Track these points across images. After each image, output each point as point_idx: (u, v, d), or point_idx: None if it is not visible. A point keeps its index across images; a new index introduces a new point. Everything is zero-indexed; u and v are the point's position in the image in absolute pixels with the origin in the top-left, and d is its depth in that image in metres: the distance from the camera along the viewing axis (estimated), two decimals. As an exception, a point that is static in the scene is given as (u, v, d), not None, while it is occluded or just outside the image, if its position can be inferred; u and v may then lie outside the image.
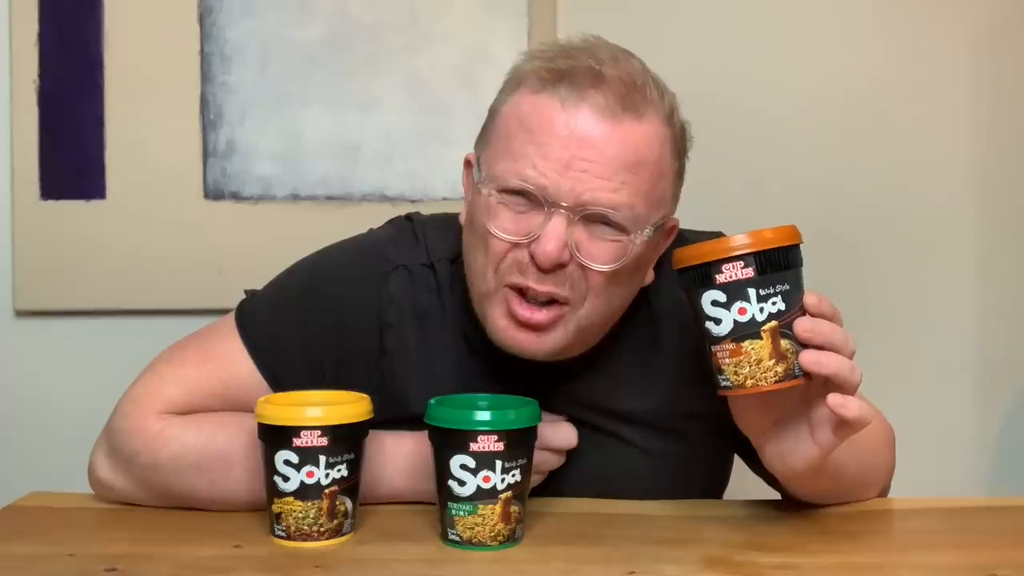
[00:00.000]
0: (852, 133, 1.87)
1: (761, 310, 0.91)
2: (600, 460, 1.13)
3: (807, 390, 0.95)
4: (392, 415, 1.07)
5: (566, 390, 1.11)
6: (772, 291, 0.91)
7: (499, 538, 0.96)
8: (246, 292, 1.18)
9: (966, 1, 1.86)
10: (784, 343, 0.91)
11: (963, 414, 1.91)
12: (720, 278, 0.91)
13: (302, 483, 0.95)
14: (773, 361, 0.91)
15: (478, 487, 0.94)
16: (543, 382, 1.08)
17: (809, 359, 0.91)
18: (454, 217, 1.15)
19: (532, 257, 0.99)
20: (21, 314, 1.82)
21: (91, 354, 1.81)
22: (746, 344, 0.91)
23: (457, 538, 0.96)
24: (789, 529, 1.04)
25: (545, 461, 1.08)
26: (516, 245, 1.01)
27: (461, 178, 1.11)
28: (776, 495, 1.14)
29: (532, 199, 1.00)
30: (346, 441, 0.96)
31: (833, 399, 0.91)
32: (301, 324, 1.12)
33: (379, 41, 1.81)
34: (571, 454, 1.11)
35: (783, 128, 1.85)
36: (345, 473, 0.96)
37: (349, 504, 0.98)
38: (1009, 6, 1.86)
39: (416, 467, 1.07)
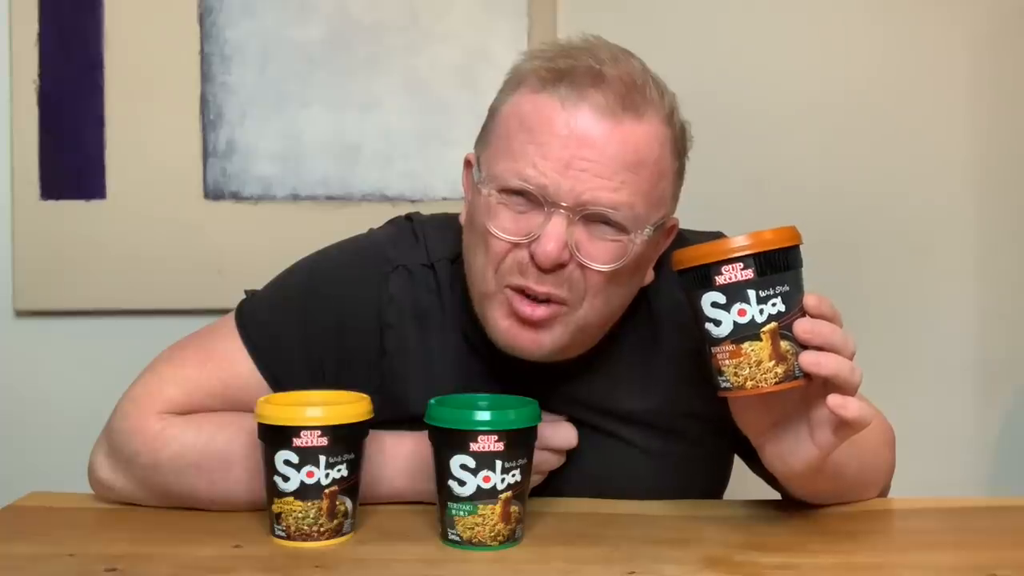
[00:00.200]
0: (852, 133, 1.87)
1: (761, 311, 0.91)
2: (600, 460, 1.13)
3: (807, 391, 0.95)
4: (392, 415, 1.07)
5: (566, 390, 1.11)
6: (772, 292, 0.91)
7: (499, 538, 0.96)
8: (246, 292, 1.18)
9: (966, 1, 1.86)
10: (784, 344, 0.91)
11: (963, 414, 1.91)
12: (720, 280, 0.91)
13: (302, 483, 0.95)
14: (773, 362, 0.91)
15: (478, 487, 0.94)
16: (543, 382, 1.08)
17: (809, 360, 0.91)
18: (454, 217, 1.15)
19: (532, 257, 0.99)
20: (21, 314, 1.82)
21: (91, 354, 1.81)
22: (746, 345, 0.91)
23: (457, 538, 0.96)
24: (789, 529, 1.04)
25: (545, 461, 1.08)
26: (516, 245, 1.01)
27: (461, 178, 1.11)
28: (776, 495, 1.14)
29: (532, 199, 1.00)
30: (346, 441, 0.96)
31: (833, 400, 0.91)
32: (301, 324, 1.12)
33: (379, 41, 1.81)
34: (571, 454, 1.11)
35: (783, 128, 1.85)
36: (345, 473, 0.96)
37: (349, 504, 0.98)
38: (1009, 6, 1.86)
39: (416, 467, 1.07)
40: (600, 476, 1.13)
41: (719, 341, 0.92)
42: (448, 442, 0.95)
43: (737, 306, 0.91)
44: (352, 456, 0.97)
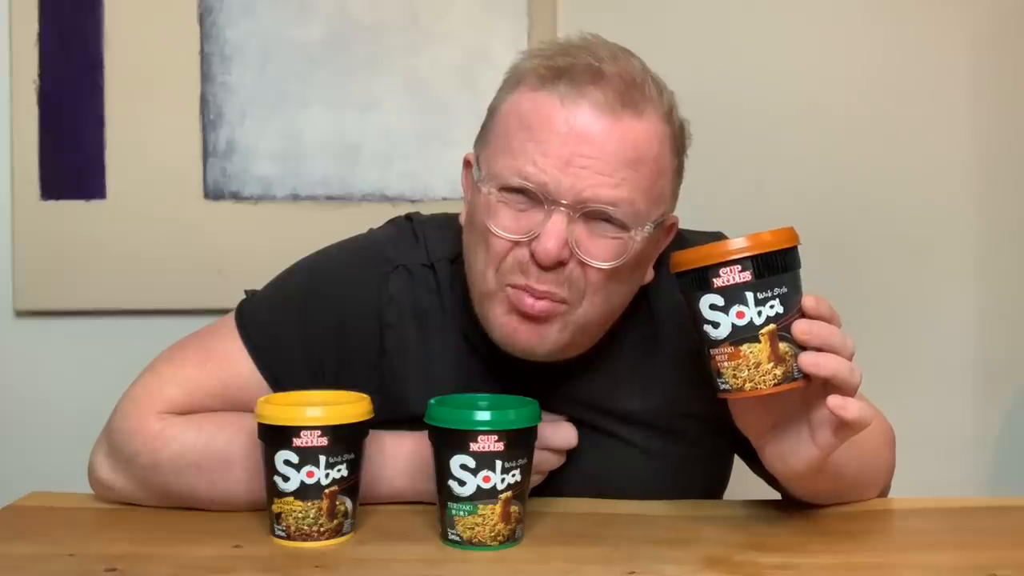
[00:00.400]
0: (852, 133, 1.87)
1: (759, 314, 0.91)
2: (600, 460, 1.13)
3: (807, 391, 0.95)
4: (392, 415, 1.07)
5: (566, 390, 1.11)
6: (770, 294, 0.91)
7: (499, 538, 0.96)
8: (246, 292, 1.18)
9: (966, 1, 1.86)
10: (783, 346, 0.91)
11: (963, 414, 1.91)
12: (718, 282, 0.91)
13: (302, 483, 0.95)
14: (772, 364, 0.91)
15: (478, 487, 0.94)
16: (543, 382, 1.08)
17: (808, 361, 0.91)
18: (454, 217, 1.15)
19: (532, 255, 0.99)
20: (21, 314, 1.82)
21: (91, 354, 1.81)
22: (744, 348, 0.91)
23: (457, 538, 0.96)
24: (789, 529, 1.04)
25: (545, 461, 1.08)
26: (517, 244, 1.01)
27: (460, 178, 1.11)
28: (776, 495, 1.14)
29: (532, 197, 1.00)
30: (346, 441, 0.96)
31: (833, 401, 0.91)
32: (301, 324, 1.12)
33: (379, 41, 1.81)
34: (571, 454, 1.11)
35: (783, 128, 1.85)
36: (345, 473, 0.96)
37: (349, 504, 0.98)
38: (1009, 6, 1.86)
39: (416, 467, 1.07)
40: (600, 476, 1.13)
41: (717, 343, 0.92)
42: (448, 442, 0.95)
43: (735, 308, 0.91)
44: (352, 456, 0.97)
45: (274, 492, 0.97)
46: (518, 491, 0.95)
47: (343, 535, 0.98)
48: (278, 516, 0.97)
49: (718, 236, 1.11)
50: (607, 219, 1.00)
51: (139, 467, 1.07)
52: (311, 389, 1.05)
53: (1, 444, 1.82)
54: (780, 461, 1.00)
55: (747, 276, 0.90)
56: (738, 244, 0.91)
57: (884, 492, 1.17)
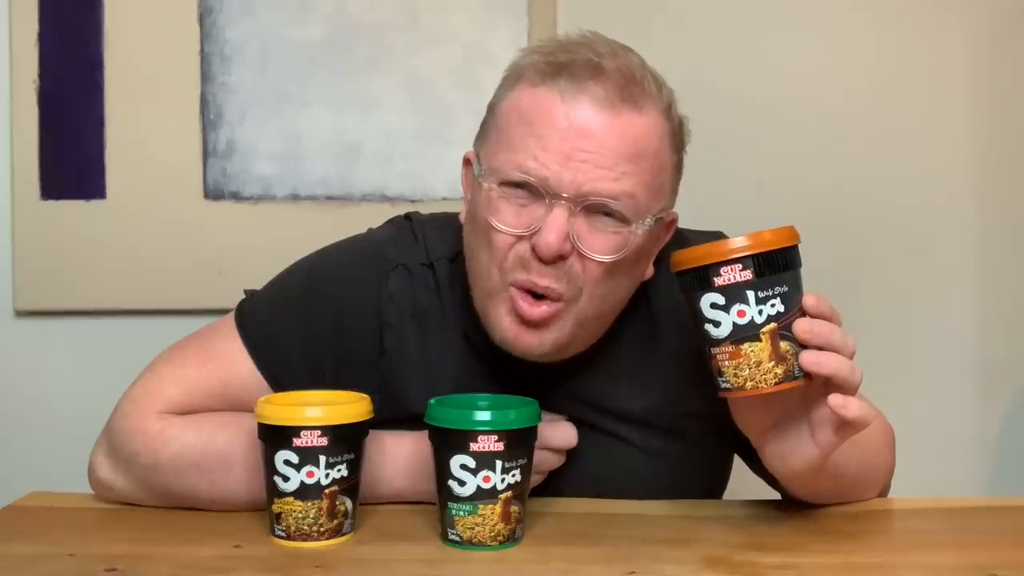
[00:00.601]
0: (852, 133, 1.87)
1: (760, 312, 0.91)
2: (600, 460, 1.13)
3: (807, 391, 0.95)
4: (392, 415, 1.07)
5: (566, 389, 1.11)
6: (771, 293, 0.91)
7: (499, 538, 0.96)
8: (246, 292, 1.18)
9: (966, 1, 1.86)
10: (784, 345, 0.91)
11: (963, 414, 1.91)
12: (718, 281, 0.91)
13: (302, 483, 0.95)
14: (773, 363, 0.91)
15: (478, 487, 0.94)
16: (543, 381, 1.08)
17: (808, 360, 0.91)
18: (454, 216, 1.15)
19: (534, 250, 0.99)
20: (21, 314, 1.82)
21: (91, 354, 1.81)
22: (745, 346, 0.91)
23: (457, 538, 0.96)
24: (789, 529, 1.04)
25: (545, 461, 1.08)
26: (519, 239, 1.01)
27: (460, 178, 1.11)
28: (776, 495, 1.14)
29: (533, 191, 1.00)
30: (346, 441, 0.96)
31: (834, 399, 0.91)
32: (301, 324, 1.12)
33: (379, 41, 1.81)
34: (571, 454, 1.11)
35: (783, 128, 1.85)
36: (345, 473, 0.96)
37: (349, 504, 0.98)
38: (1009, 6, 1.86)
39: (416, 467, 1.07)
40: (600, 476, 1.13)
41: (718, 342, 0.92)
42: (448, 442, 0.95)
43: (736, 307, 0.91)
44: (352, 456, 0.97)
45: (274, 492, 0.97)
46: (518, 491, 0.95)
47: (343, 535, 0.98)
48: (278, 516, 0.97)
49: (718, 235, 1.11)
50: (607, 213, 1.00)
51: (139, 467, 1.07)
52: (311, 389, 1.05)
53: (1, 444, 1.82)
54: (780, 460, 1.00)
55: (748, 275, 0.90)
56: (739, 243, 0.91)
57: (884, 492, 1.17)
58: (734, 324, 0.91)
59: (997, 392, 1.91)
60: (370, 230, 1.20)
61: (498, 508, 0.94)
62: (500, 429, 0.93)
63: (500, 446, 0.93)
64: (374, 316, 1.12)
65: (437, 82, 1.81)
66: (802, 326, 0.91)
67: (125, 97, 1.79)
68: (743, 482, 1.21)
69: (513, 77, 1.05)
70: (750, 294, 0.91)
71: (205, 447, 1.06)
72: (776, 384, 0.92)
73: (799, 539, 1.01)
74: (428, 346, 1.12)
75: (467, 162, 1.09)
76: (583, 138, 0.99)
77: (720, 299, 0.91)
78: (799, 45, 1.86)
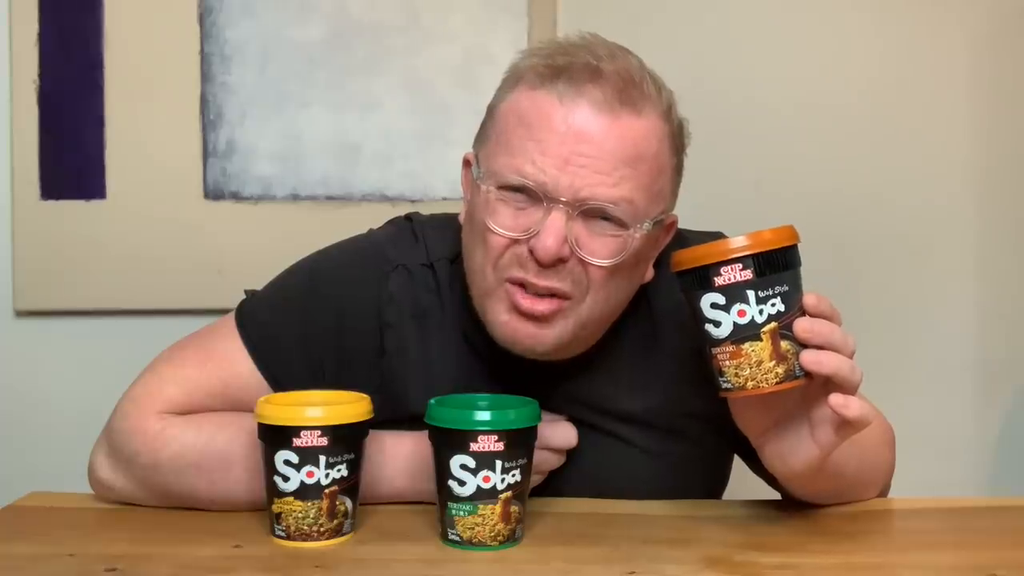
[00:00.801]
0: (852, 133, 1.87)
1: (760, 312, 0.91)
2: (600, 460, 1.13)
3: (807, 390, 0.95)
4: (392, 415, 1.07)
5: (566, 389, 1.11)
6: (771, 292, 0.91)
7: (499, 538, 0.96)
8: (246, 292, 1.18)
9: (966, 1, 1.86)
10: (784, 344, 0.91)
11: (963, 414, 1.91)
12: (719, 281, 0.91)
13: (302, 483, 0.95)
14: (774, 362, 0.91)
15: (478, 487, 0.94)
16: (543, 381, 1.08)
17: (809, 359, 0.91)
18: (453, 217, 1.15)
19: (532, 253, 0.99)
20: (21, 314, 1.82)
21: (91, 354, 1.81)
22: (746, 346, 0.91)
23: (457, 538, 0.96)
24: (789, 529, 1.04)
25: (545, 461, 1.08)
26: (515, 241, 1.01)
27: (460, 178, 1.11)
28: (776, 495, 1.14)
29: (531, 195, 1.00)
30: (346, 441, 0.96)
31: (835, 399, 0.91)
32: (301, 324, 1.12)
33: (379, 41, 1.81)
34: (571, 454, 1.11)
35: (783, 128, 1.85)
36: (345, 473, 0.96)
37: (349, 504, 0.98)
38: (1009, 6, 1.86)
39: (416, 467, 1.07)
40: (600, 476, 1.13)
41: (719, 342, 0.92)
42: (448, 442, 0.95)
43: (737, 307, 0.91)
44: (352, 456, 0.97)
45: (274, 492, 0.97)
46: (518, 491, 0.95)
47: (343, 535, 0.98)
48: (278, 516, 0.97)
49: (718, 235, 1.11)
50: (606, 217, 1.00)
51: (139, 467, 1.07)
52: (311, 389, 1.04)
53: (1, 444, 1.82)
54: (780, 460, 1.00)
55: (748, 274, 0.90)
56: (739, 243, 0.91)
57: (884, 492, 1.17)
58: (735, 324, 0.91)
59: (997, 392, 1.91)
60: (370, 230, 1.20)
61: (498, 508, 0.94)
62: (500, 429, 0.93)
63: (500, 446, 0.93)
64: (374, 316, 1.12)
65: (437, 82, 1.81)
66: (803, 325, 0.91)
67: (125, 97, 1.79)
68: (743, 482, 1.21)
69: (512, 79, 1.05)
70: (750, 294, 0.91)
71: (205, 447, 1.06)
72: (777, 383, 0.92)
73: (799, 539, 1.01)
74: (428, 346, 1.12)
75: (467, 163, 1.09)
76: (581, 142, 0.98)
77: (720, 299, 0.91)
78: (799, 45, 1.86)
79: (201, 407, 1.09)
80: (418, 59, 1.81)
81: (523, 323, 1.02)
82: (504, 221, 1.01)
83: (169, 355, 1.13)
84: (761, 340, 0.91)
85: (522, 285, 1.01)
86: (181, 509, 1.07)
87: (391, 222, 1.21)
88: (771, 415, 0.99)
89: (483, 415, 0.94)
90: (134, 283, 1.80)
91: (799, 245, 0.94)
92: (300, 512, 0.96)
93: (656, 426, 1.14)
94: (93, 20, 1.78)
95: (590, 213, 1.00)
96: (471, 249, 1.06)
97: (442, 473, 0.95)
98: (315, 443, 0.94)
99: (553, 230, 0.98)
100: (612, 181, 0.99)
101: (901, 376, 1.82)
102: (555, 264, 0.99)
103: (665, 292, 1.11)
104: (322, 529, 0.96)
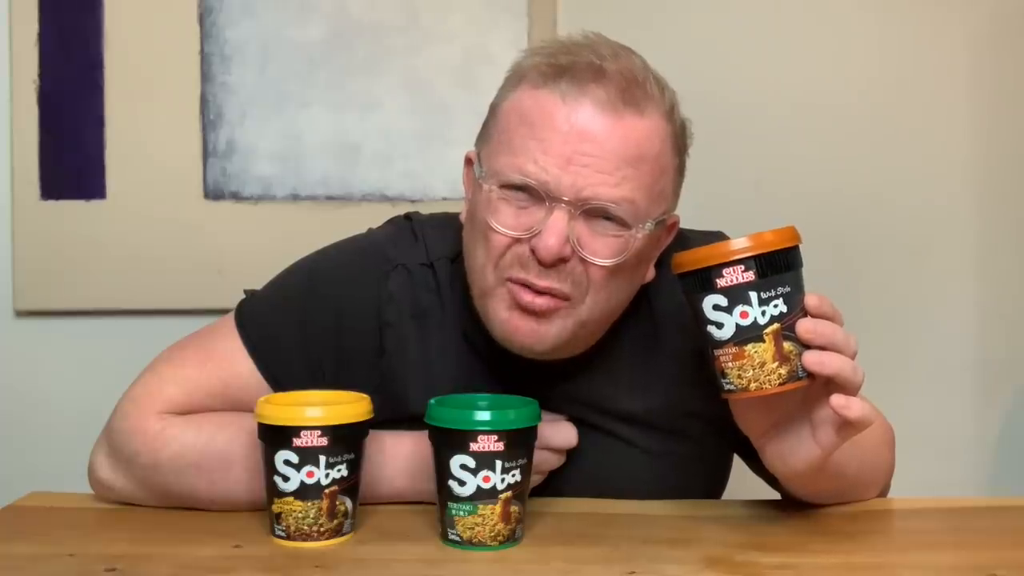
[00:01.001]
0: (852, 133, 1.87)
1: (763, 313, 0.91)
2: (600, 460, 1.13)
3: (808, 391, 0.95)
4: (392, 415, 1.07)
5: (566, 389, 1.11)
6: (773, 294, 0.91)
7: (499, 538, 0.96)
8: (246, 292, 1.18)
9: (966, 1, 1.86)
10: (787, 345, 0.91)
11: (963, 414, 1.91)
12: (721, 282, 0.91)
13: (302, 483, 0.95)
14: (776, 363, 0.91)
15: (478, 487, 0.94)
16: (543, 381, 1.08)
17: (812, 360, 0.91)
18: (454, 216, 1.15)
19: (533, 252, 0.99)
20: (21, 314, 1.82)
21: (91, 354, 1.81)
22: (749, 347, 0.91)
23: (457, 538, 0.96)
24: (789, 529, 1.04)
25: (545, 461, 1.08)
26: (517, 240, 1.01)
27: (462, 177, 1.11)
28: (776, 495, 1.14)
29: (533, 194, 1.00)
30: (346, 441, 0.96)
31: (836, 400, 0.91)
32: (301, 324, 1.12)
33: (379, 41, 1.81)
34: (571, 454, 1.11)
35: (782, 128, 1.85)
36: (345, 473, 0.96)
37: (349, 504, 0.98)
38: (1009, 6, 1.86)
39: (416, 467, 1.07)
40: (600, 476, 1.13)
41: (722, 344, 0.92)
42: (448, 442, 0.95)
43: (739, 308, 0.91)
44: (352, 456, 0.97)
45: (274, 492, 0.97)
46: (518, 491, 0.95)
47: (343, 535, 0.98)
48: (278, 516, 0.97)
49: (719, 236, 1.11)
50: (608, 217, 1.00)
51: (139, 467, 1.07)
52: (311, 389, 1.04)
53: (1, 444, 1.82)
54: (780, 460, 1.00)
55: (750, 276, 0.90)
56: (741, 244, 0.91)
57: (884, 492, 1.17)
58: (737, 325, 0.91)
59: (997, 392, 1.91)
60: (370, 230, 1.20)
61: (498, 508, 0.94)
62: (500, 429, 0.93)
63: (500, 446, 0.93)
64: (374, 316, 1.12)
65: (437, 82, 1.81)
66: (805, 326, 0.91)
67: (125, 97, 1.79)
68: (743, 482, 1.21)
69: (515, 78, 1.05)
70: (753, 295, 0.91)
71: (205, 447, 1.06)
72: (780, 384, 0.92)
73: (799, 539, 1.01)
74: (428, 346, 1.12)
75: (468, 161, 1.09)
76: (584, 141, 0.98)
77: (723, 300, 0.91)
78: (799, 45, 1.86)
79: (201, 407, 1.09)
80: (418, 59, 1.81)
81: (523, 320, 1.02)
82: (506, 220, 1.01)
83: (169, 355, 1.13)
84: (764, 341, 0.91)
85: (523, 285, 1.01)
86: (181, 509, 1.07)
87: (391, 221, 1.21)
88: (772, 416, 0.99)
89: (483, 415, 0.94)
90: (134, 283, 1.80)
91: (800, 246, 0.94)
92: (300, 512, 0.96)
93: (657, 426, 1.14)
94: (93, 20, 1.78)
95: (592, 213, 1.00)
96: (472, 248, 1.06)
97: (442, 473, 0.95)
98: (315, 443, 0.94)
99: (555, 229, 0.98)
100: (614, 181, 0.99)
101: (901, 376, 1.82)
102: (556, 264, 0.99)
103: (666, 292, 1.11)
104: (322, 529, 0.96)
